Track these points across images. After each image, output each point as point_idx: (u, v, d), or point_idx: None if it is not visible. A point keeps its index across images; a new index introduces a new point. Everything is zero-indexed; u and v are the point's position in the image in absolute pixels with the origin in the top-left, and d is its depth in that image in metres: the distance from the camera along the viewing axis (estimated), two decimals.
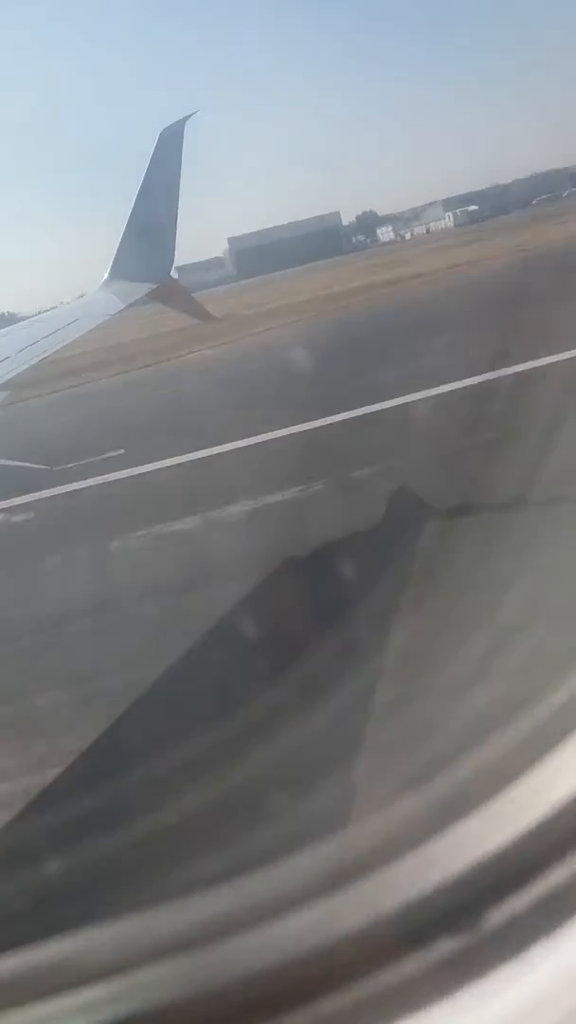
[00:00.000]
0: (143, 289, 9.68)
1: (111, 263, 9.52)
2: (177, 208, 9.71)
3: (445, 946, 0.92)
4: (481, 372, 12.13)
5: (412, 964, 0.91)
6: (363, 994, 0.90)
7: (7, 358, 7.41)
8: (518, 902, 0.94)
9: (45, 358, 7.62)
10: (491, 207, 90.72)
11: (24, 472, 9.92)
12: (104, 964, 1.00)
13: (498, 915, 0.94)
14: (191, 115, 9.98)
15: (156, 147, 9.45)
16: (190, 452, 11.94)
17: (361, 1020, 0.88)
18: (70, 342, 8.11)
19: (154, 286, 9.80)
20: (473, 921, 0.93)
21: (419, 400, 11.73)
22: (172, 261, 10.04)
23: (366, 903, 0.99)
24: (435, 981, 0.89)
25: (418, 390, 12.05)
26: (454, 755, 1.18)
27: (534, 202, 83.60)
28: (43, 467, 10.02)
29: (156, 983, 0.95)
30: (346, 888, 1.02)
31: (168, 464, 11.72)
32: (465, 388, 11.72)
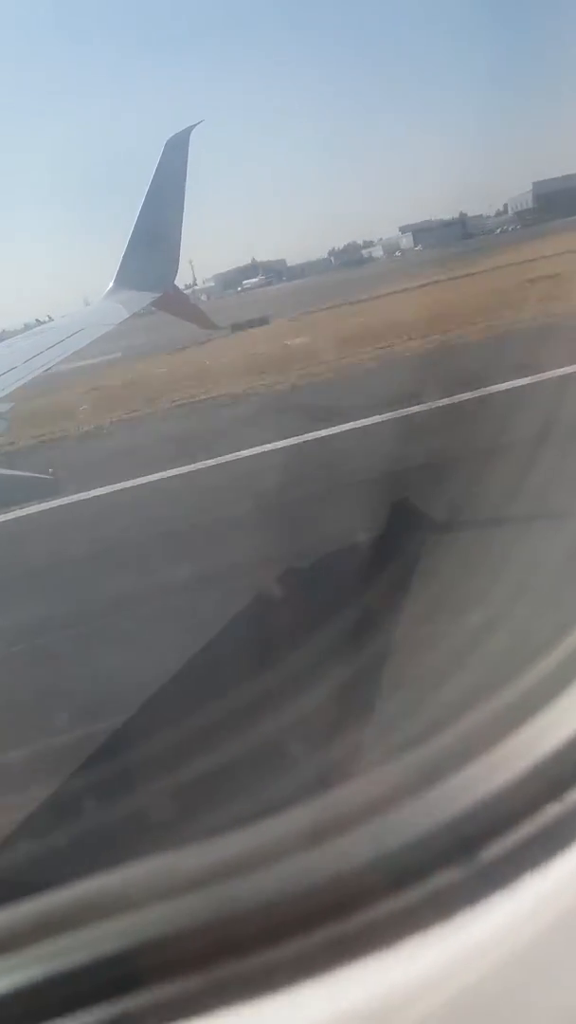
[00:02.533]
0: (148, 298, 9.80)
1: (116, 272, 9.64)
2: (182, 217, 9.83)
3: (444, 878, 1.00)
4: None
5: (413, 893, 0.99)
6: (369, 919, 0.98)
7: (13, 368, 7.50)
8: (511, 839, 1.02)
9: (50, 368, 7.71)
10: None
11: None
12: (122, 900, 1.08)
13: (493, 850, 1.02)
14: (196, 124, 10.11)
15: (162, 157, 9.57)
16: None
17: (368, 942, 0.96)
18: (75, 351, 8.21)
19: (159, 295, 9.93)
20: (470, 856, 1.02)
21: None
22: (176, 270, 10.15)
23: (372, 842, 1.08)
24: (434, 908, 0.97)
25: None
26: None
27: None
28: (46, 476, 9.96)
29: (181, 912, 1.03)
30: (353, 829, 1.10)
31: None
32: None
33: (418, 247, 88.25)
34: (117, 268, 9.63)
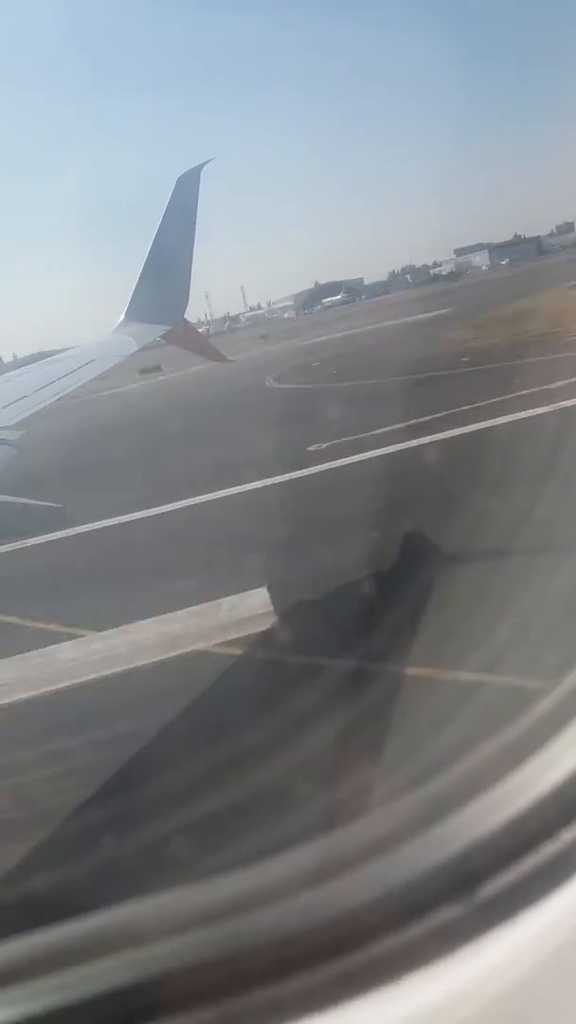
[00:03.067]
0: (158, 331, 9.93)
1: (127, 305, 9.77)
2: (192, 252, 9.98)
3: (445, 914, 1.03)
4: None
5: (416, 929, 1.02)
6: (373, 955, 1.01)
7: (24, 397, 7.59)
8: (511, 875, 1.05)
9: (61, 397, 7.80)
10: None
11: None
12: (131, 934, 1.11)
13: (493, 886, 1.05)
14: (208, 162, 10.30)
15: (173, 192, 9.75)
16: None
17: (373, 977, 0.99)
18: (86, 382, 8.30)
19: (168, 328, 10.05)
20: (471, 892, 1.05)
21: None
22: (186, 304, 10.29)
23: (375, 879, 1.11)
24: (436, 943, 1.00)
25: None
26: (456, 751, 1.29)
27: None
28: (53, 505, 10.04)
29: (190, 947, 1.06)
30: (356, 867, 1.13)
31: None
32: None
33: (505, 261, 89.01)
34: (128, 301, 9.77)
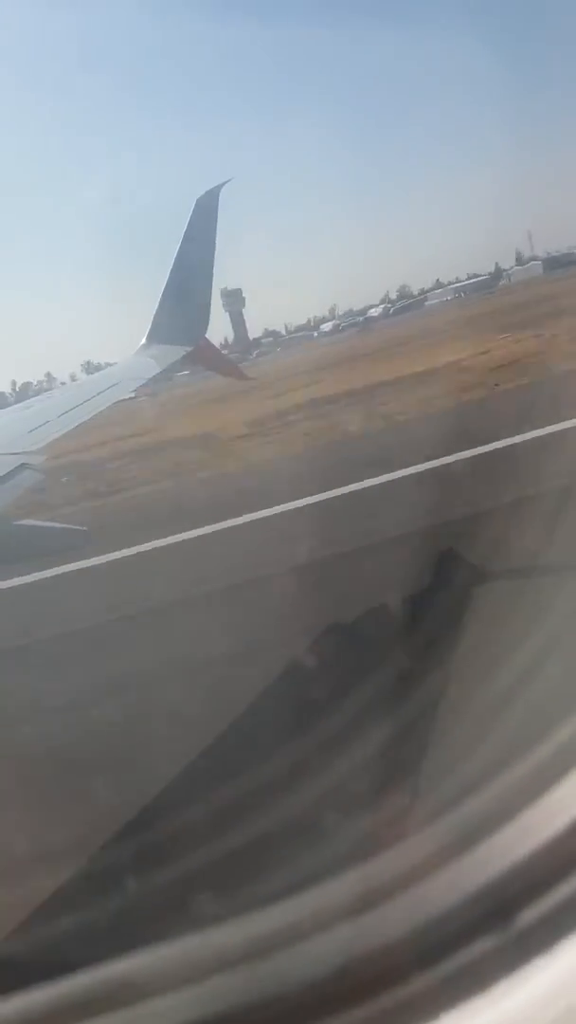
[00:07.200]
0: (180, 352, 9.97)
1: (149, 327, 9.83)
2: (212, 272, 10.04)
3: (480, 947, 0.98)
4: None
5: (450, 964, 0.98)
6: (406, 995, 0.97)
7: (47, 422, 7.63)
8: (546, 903, 1.00)
9: (84, 421, 7.83)
10: None
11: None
12: (157, 982, 1.07)
13: (528, 915, 1.00)
14: (226, 182, 10.36)
15: (192, 214, 9.81)
16: None
17: (407, 1019, 0.95)
18: (110, 405, 8.33)
19: (190, 349, 10.10)
20: (505, 923, 1.00)
21: None
22: (207, 324, 10.33)
23: (406, 914, 1.06)
24: (472, 978, 0.95)
25: None
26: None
27: None
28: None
29: (219, 994, 1.02)
30: (387, 902, 1.09)
31: None
32: None
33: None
34: (150, 324, 9.83)
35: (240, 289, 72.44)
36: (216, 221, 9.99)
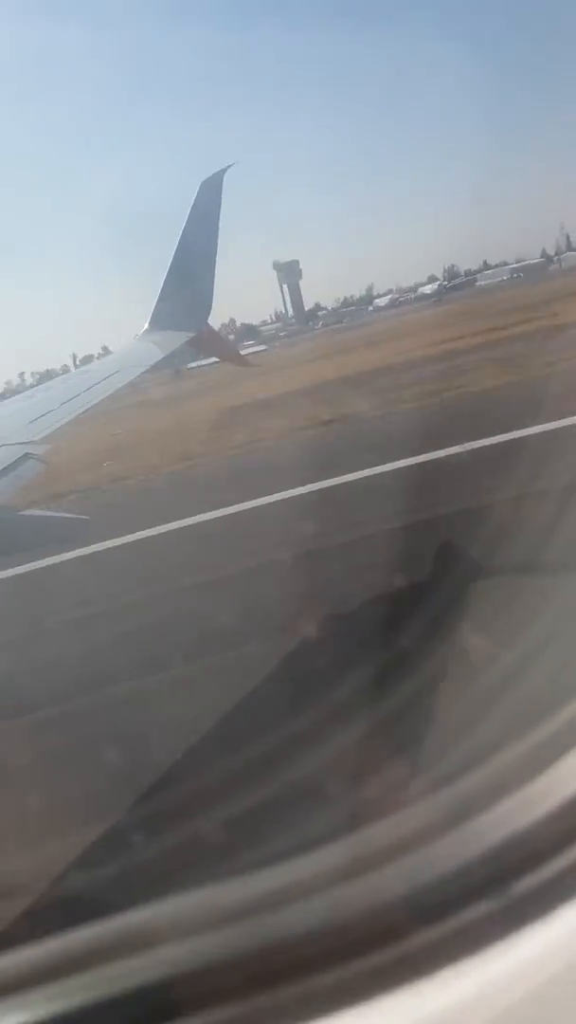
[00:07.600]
0: (182, 338, 9.92)
1: (151, 313, 9.78)
2: (215, 258, 9.97)
3: (476, 911, 1.00)
4: None
5: (447, 926, 0.99)
6: (403, 951, 0.99)
7: (51, 411, 7.60)
8: (541, 873, 1.02)
9: (87, 409, 7.80)
10: None
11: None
12: (158, 933, 1.09)
13: (524, 884, 1.02)
14: (230, 166, 10.28)
15: (196, 198, 9.73)
16: None
17: (403, 973, 0.97)
18: (112, 393, 8.30)
19: (193, 334, 10.05)
20: (501, 890, 1.02)
21: None
22: (210, 310, 10.27)
23: (406, 876, 1.08)
24: (467, 940, 0.97)
25: None
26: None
27: None
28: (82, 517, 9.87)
29: (219, 944, 1.03)
30: (387, 864, 1.10)
31: None
32: None
33: None
34: (152, 309, 9.78)
35: (297, 261, 70.80)
36: (220, 206, 9.92)
